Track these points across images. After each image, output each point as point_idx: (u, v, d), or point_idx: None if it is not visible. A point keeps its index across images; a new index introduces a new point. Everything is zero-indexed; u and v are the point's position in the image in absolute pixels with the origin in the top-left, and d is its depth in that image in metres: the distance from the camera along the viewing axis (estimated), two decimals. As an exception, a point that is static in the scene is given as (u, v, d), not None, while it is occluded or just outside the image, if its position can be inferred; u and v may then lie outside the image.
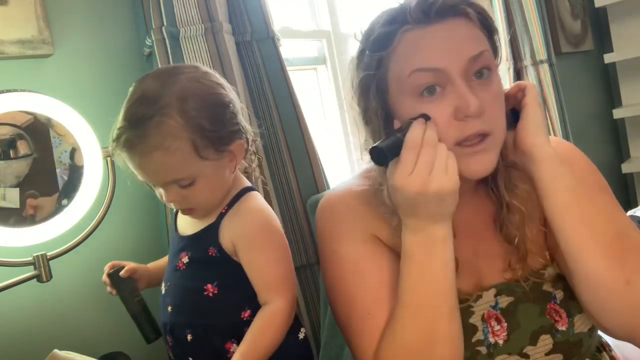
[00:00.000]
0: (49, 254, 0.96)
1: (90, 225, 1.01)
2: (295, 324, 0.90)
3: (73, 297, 1.09)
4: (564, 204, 0.76)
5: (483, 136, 0.74)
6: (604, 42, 2.77)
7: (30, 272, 0.95)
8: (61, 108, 0.96)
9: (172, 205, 0.88)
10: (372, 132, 0.82)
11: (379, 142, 0.73)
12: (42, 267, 0.95)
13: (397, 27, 0.76)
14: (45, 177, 0.97)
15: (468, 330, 0.79)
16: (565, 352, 0.80)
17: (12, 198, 0.94)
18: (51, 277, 0.96)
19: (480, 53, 0.74)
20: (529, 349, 0.80)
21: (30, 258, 0.95)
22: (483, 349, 0.80)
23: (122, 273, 0.94)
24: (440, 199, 0.72)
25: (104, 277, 0.95)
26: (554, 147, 0.81)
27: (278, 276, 0.87)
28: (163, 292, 0.93)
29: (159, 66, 1.12)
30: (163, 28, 1.13)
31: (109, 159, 1.02)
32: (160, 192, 0.85)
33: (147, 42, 1.15)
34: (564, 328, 0.81)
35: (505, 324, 0.80)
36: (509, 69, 1.98)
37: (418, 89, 0.74)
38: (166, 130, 0.79)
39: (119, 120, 0.83)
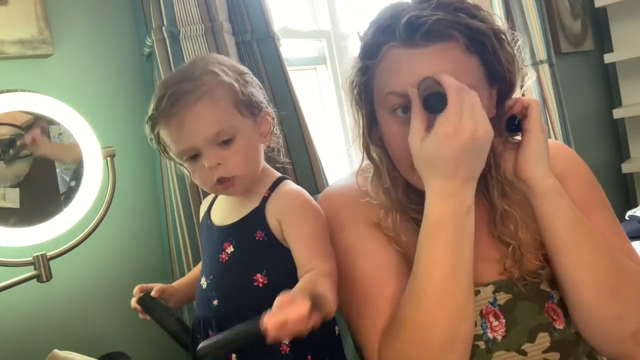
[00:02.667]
0: (49, 254, 0.96)
1: (90, 225, 1.01)
2: (331, 320, 0.88)
3: (73, 297, 1.09)
4: (562, 241, 0.77)
5: None
6: (604, 42, 2.77)
7: (30, 272, 0.95)
8: (61, 108, 0.96)
9: (212, 177, 0.85)
10: (357, 131, 0.85)
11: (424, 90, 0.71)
12: (42, 267, 0.95)
13: (384, 41, 0.77)
14: (46, 177, 0.97)
15: None
16: (563, 351, 0.81)
17: (12, 198, 0.94)
18: (51, 277, 0.96)
19: None
20: (527, 346, 0.80)
21: (30, 258, 0.95)
22: (482, 344, 0.80)
23: (153, 294, 0.93)
24: (485, 145, 0.71)
25: (134, 303, 0.94)
26: (555, 154, 0.82)
27: (322, 246, 0.84)
28: (205, 286, 0.90)
29: (159, 66, 1.13)
30: (163, 28, 1.13)
31: (109, 159, 1.02)
32: (196, 166, 0.85)
33: (147, 42, 1.15)
34: (561, 327, 0.81)
35: (504, 320, 0.81)
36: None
37: (392, 108, 0.77)
38: (209, 81, 0.85)
39: (154, 97, 0.86)
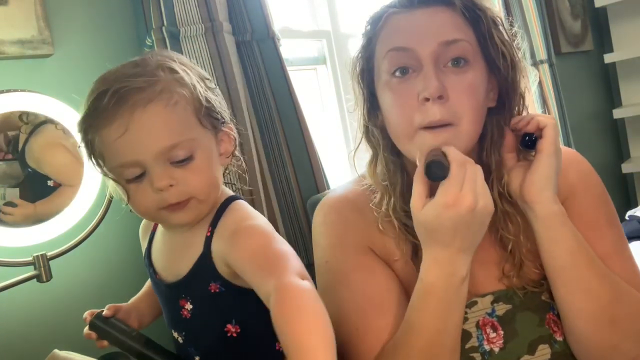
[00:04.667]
0: (49, 254, 0.96)
1: (90, 225, 1.01)
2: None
3: (73, 297, 1.08)
4: (562, 267, 0.76)
5: (446, 126, 0.74)
6: (604, 42, 2.77)
7: (30, 272, 0.95)
8: (61, 108, 0.96)
9: (161, 201, 0.69)
10: (357, 118, 0.84)
11: (430, 158, 0.71)
12: (42, 267, 0.95)
13: (386, 9, 0.79)
14: (45, 178, 0.97)
15: (461, 336, 0.77)
16: None
17: (12, 198, 0.94)
18: (51, 277, 0.96)
19: (455, 40, 0.74)
20: (526, 358, 0.79)
21: (30, 258, 0.95)
22: (477, 356, 0.78)
23: (105, 313, 0.81)
24: (484, 219, 0.71)
25: (86, 330, 0.82)
26: (567, 163, 0.81)
27: (268, 259, 0.66)
28: (181, 341, 0.78)
29: (159, 66, 1.12)
30: (163, 28, 1.13)
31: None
32: (136, 187, 0.69)
33: (147, 42, 1.15)
34: (561, 339, 0.80)
35: (502, 332, 0.79)
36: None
37: (391, 69, 0.76)
38: (166, 79, 0.69)
39: (90, 93, 0.70)
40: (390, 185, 0.82)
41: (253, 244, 0.68)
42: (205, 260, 0.72)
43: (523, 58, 0.82)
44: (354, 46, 0.85)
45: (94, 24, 1.15)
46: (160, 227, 0.82)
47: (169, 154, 0.68)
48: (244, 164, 0.86)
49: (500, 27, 0.78)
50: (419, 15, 0.76)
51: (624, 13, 2.66)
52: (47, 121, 0.95)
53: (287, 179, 1.28)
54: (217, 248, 0.72)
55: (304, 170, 1.29)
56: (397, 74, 0.76)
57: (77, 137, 0.73)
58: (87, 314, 0.83)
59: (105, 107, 0.67)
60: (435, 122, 0.73)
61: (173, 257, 0.76)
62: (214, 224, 0.73)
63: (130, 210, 0.75)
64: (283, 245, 0.69)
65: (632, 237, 1.80)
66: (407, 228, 0.80)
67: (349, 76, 0.86)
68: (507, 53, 0.78)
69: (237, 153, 0.80)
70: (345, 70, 1.70)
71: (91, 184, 0.99)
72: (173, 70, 0.71)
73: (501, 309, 0.80)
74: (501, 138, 0.80)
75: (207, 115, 0.72)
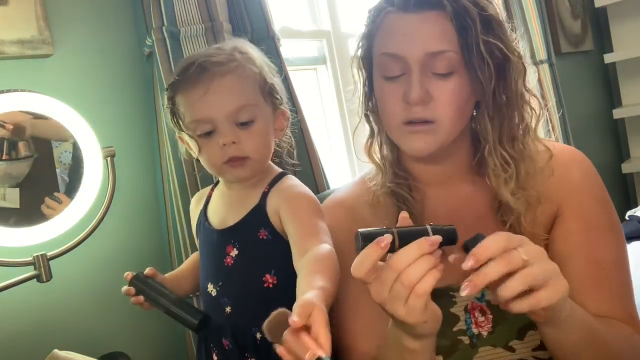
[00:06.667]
0: (49, 254, 0.96)
1: (90, 225, 1.01)
2: None
3: (73, 297, 1.09)
4: (569, 353, 0.72)
5: (426, 123, 0.79)
6: (604, 42, 2.77)
7: (30, 272, 0.95)
8: (61, 108, 0.96)
9: (224, 155, 0.83)
10: (357, 108, 0.90)
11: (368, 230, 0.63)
12: (42, 267, 0.95)
13: (384, 7, 0.83)
14: (45, 177, 0.97)
15: (449, 319, 0.79)
16: None
17: (12, 198, 0.94)
18: (51, 277, 0.96)
19: (441, 52, 0.77)
20: (515, 343, 0.79)
21: (30, 258, 0.95)
22: (465, 339, 0.80)
23: (146, 272, 0.90)
24: (398, 322, 0.64)
25: (125, 288, 0.89)
26: (569, 160, 0.83)
27: (315, 226, 0.80)
28: (214, 293, 0.87)
29: (159, 66, 1.12)
30: (163, 28, 1.13)
31: (109, 159, 1.02)
32: (207, 142, 0.83)
33: (147, 42, 1.15)
34: None
35: (491, 316, 0.80)
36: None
37: (383, 72, 0.82)
38: (241, 58, 0.85)
39: (180, 66, 0.86)
40: (383, 161, 0.88)
41: (304, 207, 0.82)
42: (260, 209, 0.85)
43: (519, 57, 0.82)
44: (354, 46, 0.89)
45: (94, 24, 1.15)
46: (217, 191, 0.95)
47: (236, 115, 0.82)
48: (293, 141, 1.01)
49: (497, 29, 0.79)
50: (411, 20, 0.79)
51: (624, 13, 2.66)
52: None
53: (287, 179, 1.28)
54: (273, 201, 0.85)
55: (304, 170, 1.29)
56: (388, 76, 0.81)
57: (164, 99, 0.90)
58: (128, 273, 0.90)
59: (190, 74, 0.82)
60: (416, 119, 0.79)
61: (229, 209, 0.89)
62: (271, 184, 0.88)
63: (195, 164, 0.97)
64: (325, 223, 0.82)
65: (632, 237, 1.79)
66: (394, 194, 0.86)
67: (349, 75, 0.91)
68: (501, 55, 0.78)
69: (287, 132, 0.95)
70: (345, 70, 1.71)
71: (91, 185, 0.99)
72: (247, 53, 0.87)
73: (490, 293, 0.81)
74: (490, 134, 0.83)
75: (269, 94, 0.87)
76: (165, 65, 1.12)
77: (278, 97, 0.89)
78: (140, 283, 0.88)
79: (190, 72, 0.83)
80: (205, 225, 0.91)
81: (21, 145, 0.94)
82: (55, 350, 0.87)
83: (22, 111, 0.93)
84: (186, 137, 0.89)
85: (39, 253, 0.95)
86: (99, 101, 1.13)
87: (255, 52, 0.90)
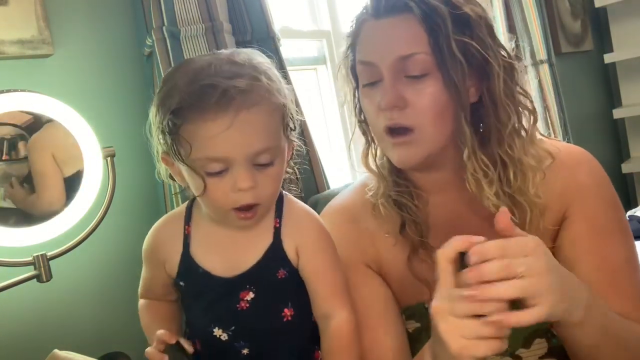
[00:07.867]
0: (49, 254, 0.96)
1: (90, 225, 1.01)
2: None
3: (73, 297, 1.09)
4: (586, 347, 0.72)
5: (407, 132, 0.77)
6: (604, 42, 2.77)
7: (30, 272, 0.95)
8: (61, 108, 0.96)
9: (237, 201, 0.71)
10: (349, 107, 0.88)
11: None
12: (42, 267, 0.95)
13: (361, 15, 0.82)
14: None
15: None
16: (560, 358, 0.79)
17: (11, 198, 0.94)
18: (51, 277, 0.96)
19: (411, 55, 0.76)
20: (521, 351, 0.78)
21: (30, 258, 0.95)
22: None
23: (169, 340, 0.75)
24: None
25: (157, 353, 0.76)
26: (577, 162, 0.82)
27: (342, 282, 0.78)
28: (225, 338, 0.77)
29: (160, 66, 1.13)
30: (163, 28, 1.13)
31: (109, 159, 1.02)
32: (217, 182, 0.69)
33: (147, 42, 1.15)
34: None
35: None
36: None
37: (361, 80, 0.81)
38: (267, 85, 0.71)
39: (188, 81, 0.69)
40: (383, 170, 0.86)
41: (329, 256, 0.78)
42: (276, 249, 0.76)
43: (506, 57, 0.79)
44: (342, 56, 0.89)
45: (94, 24, 1.15)
46: (199, 228, 0.80)
47: (258, 157, 0.70)
48: (296, 172, 0.88)
49: (476, 28, 0.76)
50: (383, 26, 0.78)
51: (624, 13, 2.66)
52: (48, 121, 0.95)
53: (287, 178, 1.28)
54: (290, 240, 0.77)
55: (304, 170, 1.29)
56: (365, 83, 0.81)
57: (157, 116, 0.72)
58: (161, 339, 0.76)
59: (211, 103, 0.67)
60: (392, 124, 0.77)
61: (234, 250, 0.77)
62: (278, 215, 0.78)
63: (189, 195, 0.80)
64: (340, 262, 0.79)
65: (632, 237, 1.79)
66: (397, 203, 0.84)
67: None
68: (479, 55, 0.75)
69: (291, 162, 0.82)
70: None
71: (91, 185, 0.99)
72: (271, 76, 0.73)
73: None
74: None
75: (289, 128, 0.76)
76: (166, 65, 1.12)
77: (293, 128, 0.77)
78: (173, 351, 0.76)
79: (211, 99, 0.67)
80: (201, 272, 0.78)
81: (21, 145, 0.94)
82: (55, 350, 0.87)
83: (22, 111, 0.94)
84: (182, 168, 0.74)
85: (39, 253, 0.95)
86: (99, 101, 1.13)
87: (275, 73, 0.75)
